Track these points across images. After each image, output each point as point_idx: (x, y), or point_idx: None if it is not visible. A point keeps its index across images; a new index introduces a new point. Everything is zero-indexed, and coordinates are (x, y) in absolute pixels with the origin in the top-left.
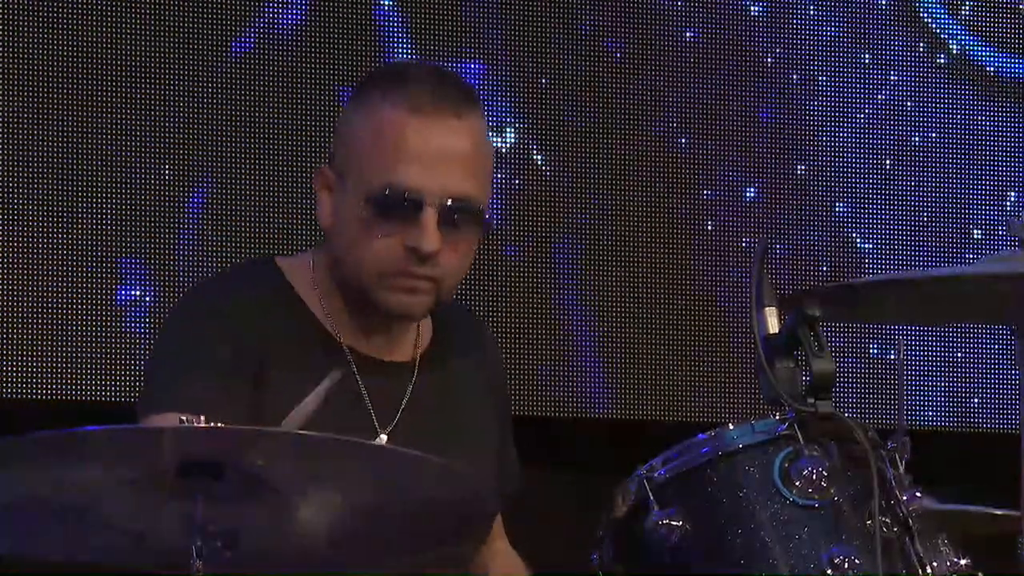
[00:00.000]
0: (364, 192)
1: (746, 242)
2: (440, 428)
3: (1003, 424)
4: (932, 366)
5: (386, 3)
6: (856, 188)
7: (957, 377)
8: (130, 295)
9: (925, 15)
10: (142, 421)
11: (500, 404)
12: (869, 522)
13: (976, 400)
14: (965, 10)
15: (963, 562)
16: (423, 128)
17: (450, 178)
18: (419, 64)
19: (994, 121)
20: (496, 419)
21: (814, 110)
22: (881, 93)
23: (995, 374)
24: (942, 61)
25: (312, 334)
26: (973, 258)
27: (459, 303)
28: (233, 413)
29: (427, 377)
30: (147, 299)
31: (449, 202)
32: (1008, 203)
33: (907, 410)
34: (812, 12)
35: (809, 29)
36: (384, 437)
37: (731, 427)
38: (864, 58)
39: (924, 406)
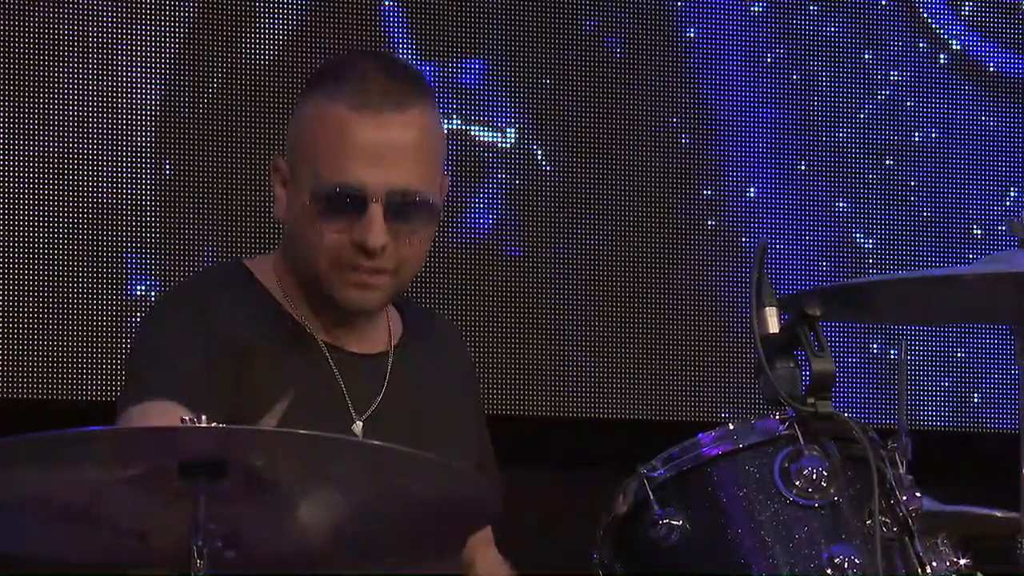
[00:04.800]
0: (311, 188)
1: (747, 240)
2: (417, 418)
3: (1003, 424)
4: (932, 366)
5: (387, 2)
6: (857, 186)
7: (957, 377)
8: (131, 295)
9: (926, 13)
10: (122, 415)
11: (476, 408)
12: (869, 522)
13: (976, 400)
14: (966, 8)
15: (963, 562)
16: (365, 124)
17: (394, 172)
18: (366, 55)
19: (995, 119)
20: (472, 417)
21: (815, 108)
22: (882, 91)
23: (995, 374)
24: (943, 59)
25: (287, 330)
26: (974, 256)
27: (423, 307)
28: (216, 405)
29: (402, 368)
30: (151, 297)
31: (394, 196)
32: (1009, 201)
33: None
34: (813, 10)
35: (810, 27)
36: (360, 424)
37: (731, 427)
38: (865, 56)
39: (924, 406)
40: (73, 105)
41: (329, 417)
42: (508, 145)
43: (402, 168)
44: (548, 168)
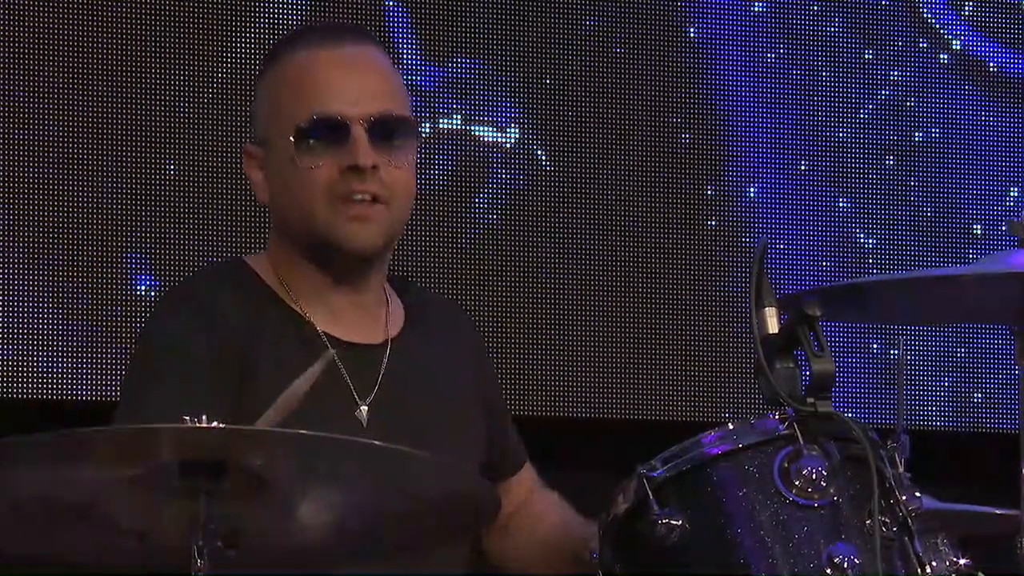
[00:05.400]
0: (292, 133)
1: (748, 240)
2: (416, 406)
3: (1003, 424)
4: (932, 366)
5: (390, 2)
6: (858, 185)
7: (957, 377)
8: (133, 294)
9: (927, 12)
10: (126, 416)
11: (486, 387)
12: (869, 522)
13: (976, 400)
14: (967, 7)
15: (963, 562)
16: (328, 57)
17: (370, 96)
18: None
19: (996, 118)
20: (477, 402)
21: (816, 107)
22: (883, 90)
23: (995, 374)
24: (944, 58)
25: (289, 323)
26: (974, 256)
27: (440, 295)
28: (219, 404)
29: (399, 358)
30: (152, 296)
31: (374, 117)
32: (1010, 200)
33: (907, 410)
34: (815, 9)
35: (811, 26)
36: (364, 409)
37: (731, 427)
38: (866, 55)
39: (924, 406)
40: (74, 105)
41: (334, 405)
42: (510, 144)
43: (376, 90)
44: (549, 167)
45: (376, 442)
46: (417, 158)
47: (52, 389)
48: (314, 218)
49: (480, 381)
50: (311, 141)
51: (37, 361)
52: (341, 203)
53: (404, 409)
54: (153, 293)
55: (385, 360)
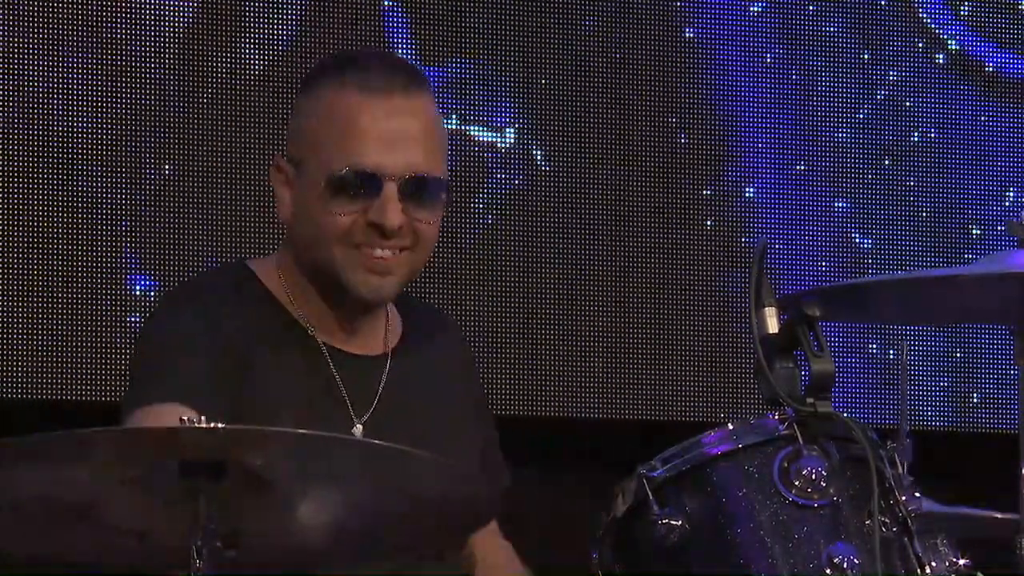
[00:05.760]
0: (324, 176)
1: (746, 240)
2: (415, 418)
3: (1003, 424)
4: (932, 366)
5: (387, 3)
6: (855, 186)
7: (957, 377)
8: (132, 295)
9: (924, 13)
10: (127, 417)
11: (477, 404)
12: (868, 522)
13: (976, 400)
14: (964, 8)
15: (962, 562)
16: (375, 107)
17: (407, 153)
18: (367, 50)
19: (993, 119)
20: (472, 416)
21: (814, 108)
22: (880, 91)
23: (995, 374)
24: (941, 59)
25: (288, 331)
26: (972, 256)
27: (430, 304)
28: (219, 406)
29: (399, 370)
30: (151, 297)
31: (408, 176)
32: (1007, 201)
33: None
34: (812, 10)
35: (809, 27)
36: (360, 427)
37: (731, 427)
38: (864, 56)
39: (924, 406)
40: (73, 105)
41: (330, 419)
42: (507, 145)
43: (414, 150)
44: (547, 168)
45: (376, 442)
46: None
47: (52, 389)
48: (332, 261)
49: (472, 392)
50: (343, 191)
51: (37, 361)
52: (359, 253)
53: (400, 424)
54: (151, 294)
55: (385, 373)
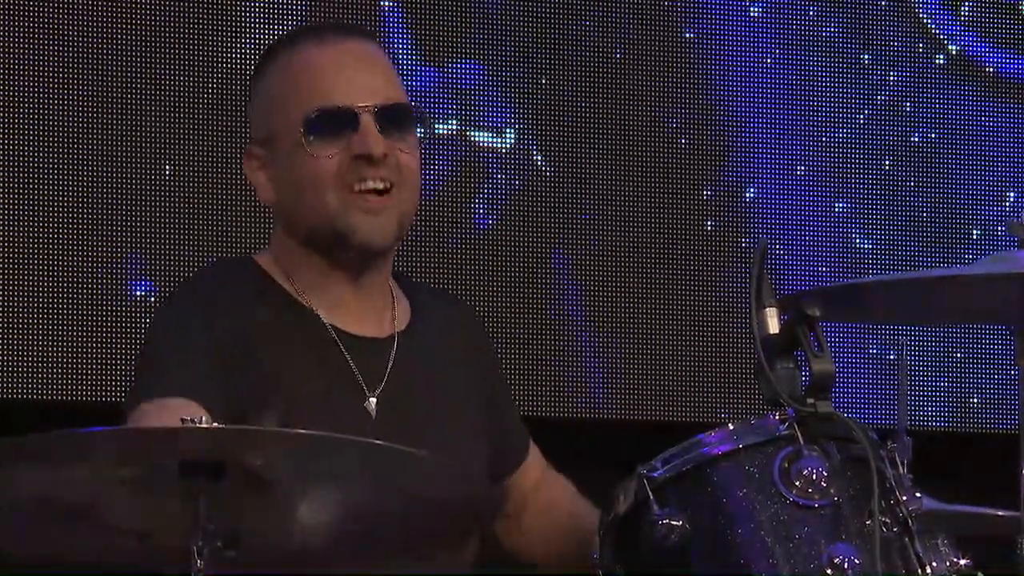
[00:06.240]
0: (301, 125)
1: (746, 242)
2: (424, 396)
3: (1003, 424)
4: (932, 366)
5: (386, 3)
6: (856, 188)
7: (957, 377)
8: (131, 296)
9: (924, 14)
10: (132, 412)
11: (490, 377)
12: (869, 522)
13: (976, 400)
14: (964, 9)
15: (963, 562)
16: (334, 51)
17: (374, 85)
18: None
19: (993, 120)
20: (479, 391)
21: (814, 110)
22: (880, 93)
23: (995, 374)
24: (941, 61)
25: (296, 315)
26: (972, 257)
27: (441, 289)
28: (227, 399)
29: (407, 351)
30: (151, 299)
31: (381, 106)
32: (1007, 202)
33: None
34: (812, 12)
35: (809, 29)
36: (373, 401)
37: (731, 427)
38: (864, 58)
39: (924, 406)
40: (72, 106)
41: (342, 396)
42: (507, 147)
43: (381, 81)
44: (547, 170)
45: (376, 441)
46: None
47: (52, 389)
48: (326, 209)
49: (481, 370)
50: (321, 132)
51: (37, 361)
52: (353, 195)
53: (412, 401)
54: (152, 295)
55: (393, 353)
